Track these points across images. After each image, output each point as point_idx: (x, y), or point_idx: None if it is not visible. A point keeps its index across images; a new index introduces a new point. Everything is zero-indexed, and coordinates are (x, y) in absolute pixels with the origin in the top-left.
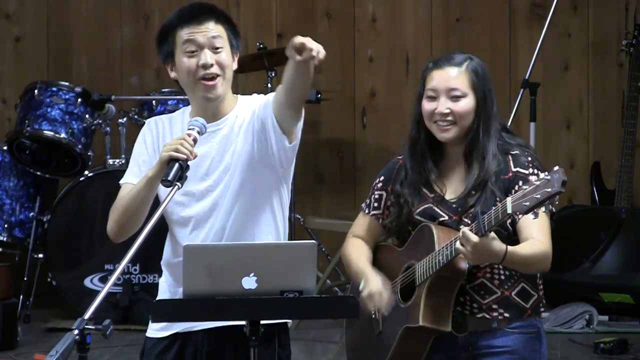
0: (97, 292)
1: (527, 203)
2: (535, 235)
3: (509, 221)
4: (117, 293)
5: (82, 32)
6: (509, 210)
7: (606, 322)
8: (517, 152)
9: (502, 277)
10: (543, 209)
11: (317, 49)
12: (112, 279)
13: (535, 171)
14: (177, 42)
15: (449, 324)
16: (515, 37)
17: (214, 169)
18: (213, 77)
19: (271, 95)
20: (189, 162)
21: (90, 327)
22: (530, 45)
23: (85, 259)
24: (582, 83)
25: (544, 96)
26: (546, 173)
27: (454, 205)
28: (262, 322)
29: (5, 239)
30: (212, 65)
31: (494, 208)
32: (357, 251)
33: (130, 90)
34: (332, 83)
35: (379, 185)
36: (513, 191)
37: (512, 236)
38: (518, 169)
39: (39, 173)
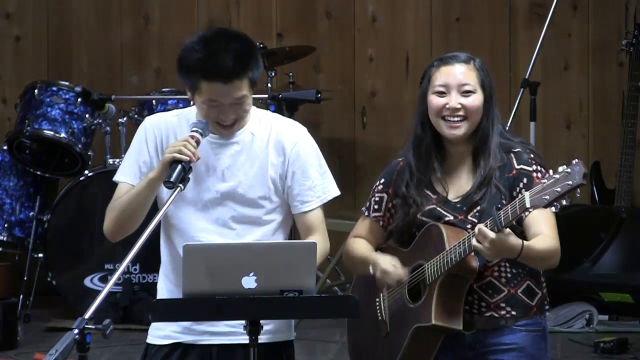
0: (97, 292)
1: (547, 197)
2: (545, 231)
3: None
4: (117, 292)
5: (82, 31)
6: (528, 205)
7: (606, 321)
8: (519, 149)
9: (509, 275)
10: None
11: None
12: (113, 279)
13: (538, 167)
14: (199, 89)
15: (461, 322)
16: (515, 37)
17: (220, 181)
18: (231, 125)
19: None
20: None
21: (90, 326)
22: (530, 45)
23: (85, 259)
24: (582, 83)
25: (544, 96)
26: (565, 166)
27: (458, 205)
28: (267, 340)
29: (5, 239)
30: (232, 119)
31: (510, 203)
32: (360, 246)
33: (131, 90)
34: (332, 82)
35: (380, 187)
36: (518, 188)
37: (520, 232)
38: (522, 166)
39: (39, 173)
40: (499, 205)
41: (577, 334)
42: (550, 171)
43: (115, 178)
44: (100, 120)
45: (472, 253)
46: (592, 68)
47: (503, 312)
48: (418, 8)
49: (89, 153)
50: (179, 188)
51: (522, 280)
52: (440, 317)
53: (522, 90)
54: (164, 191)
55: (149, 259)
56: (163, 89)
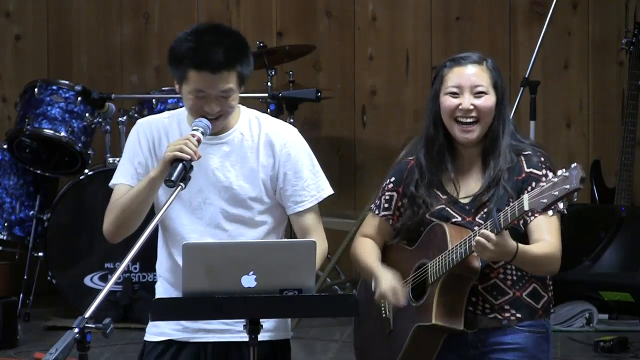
0: (97, 291)
1: (545, 200)
2: (546, 237)
3: (521, 222)
4: (117, 292)
5: (82, 30)
6: (526, 207)
7: (606, 320)
8: (530, 152)
9: (515, 278)
10: (561, 206)
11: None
12: (113, 278)
13: (548, 172)
14: (187, 79)
15: (462, 323)
16: (515, 36)
17: (211, 182)
18: (216, 118)
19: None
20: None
21: (90, 325)
22: (530, 44)
23: (85, 258)
24: (582, 81)
25: (544, 95)
26: (564, 170)
27: (467, 207)
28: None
29: (5, 238)
30: (217, 112)
31: (509, 206)
32: (366, 249)
33: (131, 89)
34: (332, 81)
35: (390, 186)
36: (526, 192)
37: (524, 236)
38: (531, 169)
39: (39, 171)
40: (502, 208)
41: (577, 333)
42: (550, 174)
43: (112, 182)
44: (100, 119)
45: (474, 253)
46: (592, 67)
47: (507, 315)
48: (418, 7)
49: (89, 152)
50: (180, 187)
51: (527, 282)
52: (440, 317)
53: (522, 89)
54: (160, 192)
55: (149, 258)
56: (163, 88)
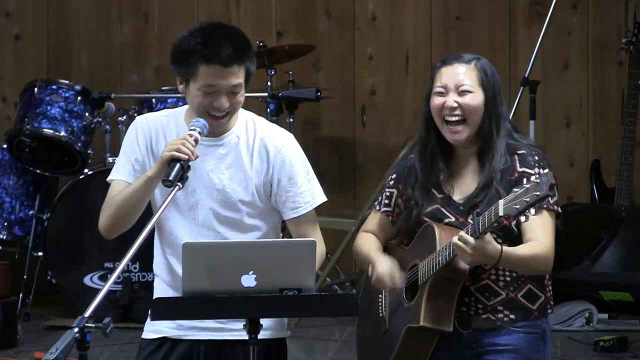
0: (97, 291)
1: (518, 206)
2: (538, 237)
3: (514, 222)
4: (117, 291)
5: (82, 30)
6: (501, 213)
7: (606, 320)
8: (524, 151)
9: (508, 279)
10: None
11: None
12: (112, 278)
13: (541, 171)
14: (196, 75)
15: (451, 325)
16: (515, 35)
17: (204, 184)
18: (223, 116)
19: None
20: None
21: (90, 325)
22: (530, 43)
23: (85, 257)
24: (581, 81)
25: (544, 94)
26: (536, 176)
27: (461, 208)
28: (261, 337)
29: (5, 237)
30: (226, 108)
31: (487, 210)
32: (367, 242)
33: (130, 89)
34: (332, 81)
35: (391, 183)
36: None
37: (518, 236)
38: (524, 169)
39: (38, 171)
40: (485, 210)
41: (577, 333)
42: (524, 180)
43: (109, 178)
44: (100, 119)
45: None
46: (592, 66)
47: (500, 315)
48: (418, 6)
49: (88, 152)
50: (177, 187)
51: (522, 283)
52: (428, 319)
53: (521, 88)
54: (156, 191)
55: (149, 258)
56: (163, 88)
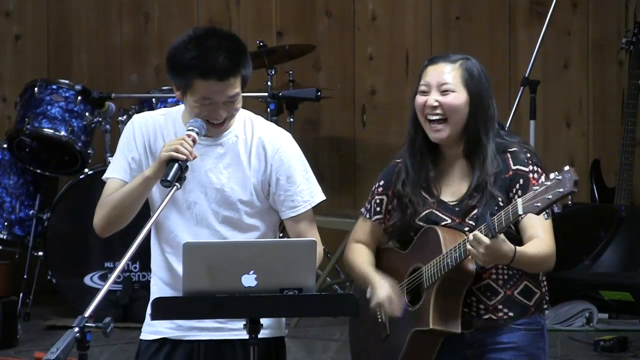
0: (97, 290)
1: (539, 204)
2: (540, 234)
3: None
4: (117, 291)
5: (82, 30)
6: (520, 212)
7: (606, 319)
8: (516, 149)
9: (505, 277)
10: (555, 209)
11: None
12: (112, 277)
13: (535, 168)
14: (193, 88)
15: (459, 326)
16: (515, 35)
17: (203, 183)
18: (222, 122)
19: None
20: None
21: (90, 324)
22: (530, 43)
23: (85, 257)
24: (582, 81)
25: (544, 94)
26: (556, 173)
27: (456, 209)
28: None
29: (5, 237)
30: (224, 117)
31: (504, 210)
32: (361, 257)
33: (130, 88)
34: (332, 81)
35: (380, 189)
36: (514, 189)
37: (516, 235)
38: (518, 166)
39: (38, 171)
40: (493, 211)
41: (577, 332)
42: (543, 177)
43: (105, 176)
44: (100, 119)
45: (469, 257)
46: (592, 66)
47: (500, 314)
48: (418, 6)
49: (88, 151)
50: (175, 187)
51: (518, 281)
52: (438, 321)
53: (522, 88)
54: (154, 190)
55: (149, 258)
56: (163, 87)
